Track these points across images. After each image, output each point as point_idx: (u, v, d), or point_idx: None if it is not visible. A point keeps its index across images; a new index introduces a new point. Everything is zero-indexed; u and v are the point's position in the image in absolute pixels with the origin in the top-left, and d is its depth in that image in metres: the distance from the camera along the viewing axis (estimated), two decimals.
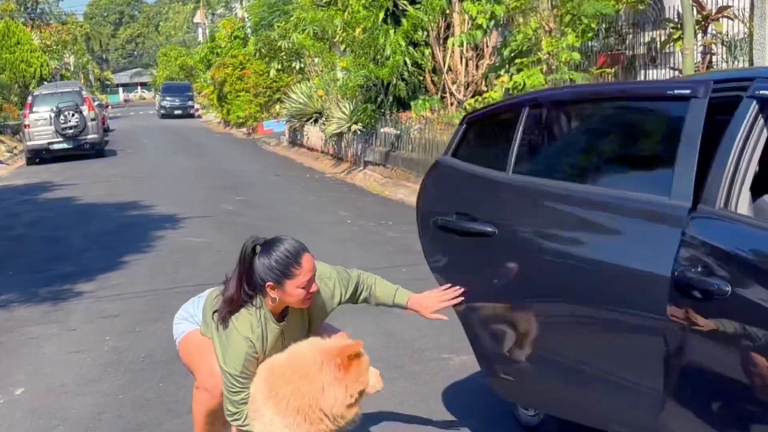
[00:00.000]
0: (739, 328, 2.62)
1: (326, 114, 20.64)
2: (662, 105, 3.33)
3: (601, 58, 13.01)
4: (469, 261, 4.04)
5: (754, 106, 2.86)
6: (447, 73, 15.47)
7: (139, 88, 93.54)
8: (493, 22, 13.09)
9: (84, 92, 26.13)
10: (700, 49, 11.21)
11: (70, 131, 23.81)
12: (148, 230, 11.37)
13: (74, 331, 6.96)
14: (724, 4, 11.03)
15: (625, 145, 3.75)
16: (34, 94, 25.83)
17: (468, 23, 14.49)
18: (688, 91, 3.06)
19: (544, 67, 11.51)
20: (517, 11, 12.33)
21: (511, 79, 11.92)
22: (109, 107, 55.20)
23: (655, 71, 12.42)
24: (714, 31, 11.17)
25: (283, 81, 28.23)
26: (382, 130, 17.09)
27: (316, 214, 12.44)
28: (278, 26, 24.12)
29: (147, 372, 5.79)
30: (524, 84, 11.31)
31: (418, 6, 15.53)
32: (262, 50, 26.72)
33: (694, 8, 10.71)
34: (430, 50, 16.04)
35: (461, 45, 14.47)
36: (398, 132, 16.15)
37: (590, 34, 12.10)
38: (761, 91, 2.84)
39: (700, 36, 11.16)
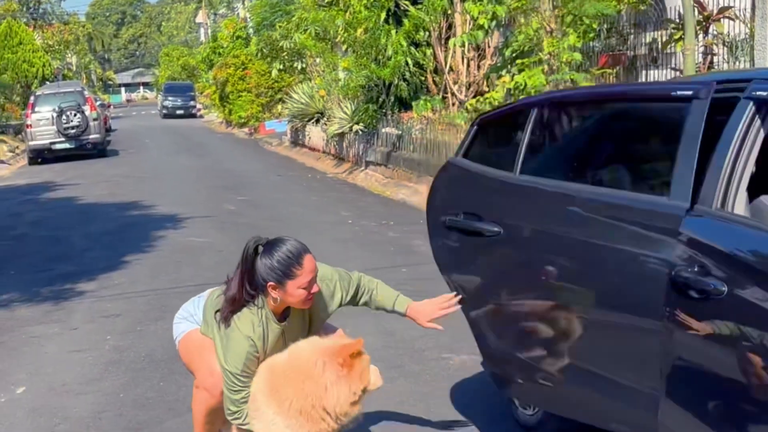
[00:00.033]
0: (736, 327, 2.64)
1: (328, 114, 20.66)
2: (666, 106, 3.36)
3: (603, 59, 13.01)
4: (476, 260, 4.10)
5: (750, 107, 2.87)
6: (448, 73, 15.48)
7: (141, 88, 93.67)
8: (494, 23, 13.09)
9: (86, 92, 26.14)
10: (701, 49, 11.21)
11: (72, 131, 23.82)
12: (150, 230, 11.38)
13: (76, 330, 6.98)
14: (725, 4, 11.04)
15: (628, 146, 3.80)
16: (37, 94, 25.85)
17: (469, 23, 14.49)
18: (690, 92, 3.08)
19: (546, 67, 11.51)
20: (519, 11, 12.33)
21: (512, 80, 11.91)
22: (112, 107, 55.29)
23: (656, 72, 12.42)
24: (715, 32, 11.17)
25: (284, 81, 28.27)
26: (383, 130, 17.10)
27: (317, 214, 12.46)
28: (280, 26, 24.12)
29: (148, 371, 5.81)
30: (525, 84, 11.31)
31: (419, 6, 15.54)
32: (264, 50, 26.72)
33: (696, 9, 10.72)
34: (431, 50, 16.04)
35: (463, 45, 14.48)
36: (400, 132, 16.16)
37: (592, 35, 12.09)
38: (758, 92, 2.86)
39: (701, 36, 11.16)
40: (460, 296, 3.98)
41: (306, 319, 3.81)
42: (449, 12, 15.37)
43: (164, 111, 49.17)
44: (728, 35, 11.02)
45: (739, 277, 2.64)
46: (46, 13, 55.53)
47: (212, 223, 11.91)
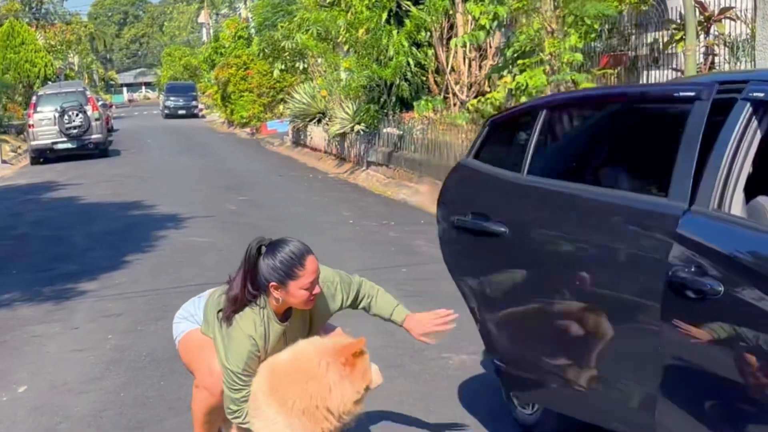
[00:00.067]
0: (732, 327, 2.65)
1: (329, 114, 20.68)
2: (670, 107, 3.38)
3: (604, 59, 13.01)
4: (482, 260, 4.16)
5: (747, 108, 2.89)
6: (450, 73, 15.49)
7: (143, 88, 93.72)
8: (496, 23, 13.09)
9: (88, 92, 26.17)
10: (703, 50, 11.22)
11: (74, 131, 23.85)
12: (152, 230, 11.40)
13: (77, 329, 7.00)
14: (727, 5, 11.04)
15: (630, 147, 3.84)
16: (39, 94, 25.90)
17: (471, 24, 14.50)
18: (692, 94, 3.10)
19: (547, 68, 11.52)
20: (520, 12, 12.33)
21: (513, 80, 11.92)
22: (113, 107, 55.34)
23: (657, 72, 12.42)
24: (716, 32, 11.17)
25: (286, 81, 28.29)
26: (384, 130, 17.11)
27: (318, 214, 12.47)
28: (282, 26, 24.14)
29: (148, 370, 5.83)
30: (527, 85, 11.31)
31: (421, 7, 15.56)
32: (266, 50, 26.74)
33: (697, 9, 10.72)
34: (433, 51, 16.06)
35: (464, 45, 14.48)
36: (401, 132, 16.17)
37: (593, 35, 12.10)
38: (755, 94, 2.87)
39: (702, 37, 11.17)
40: (456, 314, 3.98)
41: (306, 320, 3.83)
42: (451, 12, 15.39)
43: (166, 111, 49.20)
44: (729, 36, 11.02)
45: (736, 278, 2.65)
46: (48, 13, 55.63)
47: (213, 223, 11.93)
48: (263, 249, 3.61)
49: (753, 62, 10.15)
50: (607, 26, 13.01)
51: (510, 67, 12.58)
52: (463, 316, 6.20)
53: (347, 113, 18.92)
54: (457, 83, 15.46)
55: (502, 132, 4.53)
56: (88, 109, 24.21)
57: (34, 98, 25.49)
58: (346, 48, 19.05)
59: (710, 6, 11.19)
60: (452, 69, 15.51)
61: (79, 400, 5.36)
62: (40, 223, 12.84)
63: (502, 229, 3.87)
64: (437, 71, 16.24)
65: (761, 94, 2.85)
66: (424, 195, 13.64)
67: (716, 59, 11.17)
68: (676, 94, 3.28)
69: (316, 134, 22.23)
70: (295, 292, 3.56)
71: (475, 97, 14.41)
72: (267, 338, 3.65)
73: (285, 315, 3.73)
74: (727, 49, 11.00)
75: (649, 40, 12.68)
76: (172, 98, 49.76)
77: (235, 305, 3.64)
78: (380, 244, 9.99)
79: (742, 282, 2.62)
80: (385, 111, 17.41)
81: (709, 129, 2.98)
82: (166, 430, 4.82)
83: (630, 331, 3.16)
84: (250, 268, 3.60)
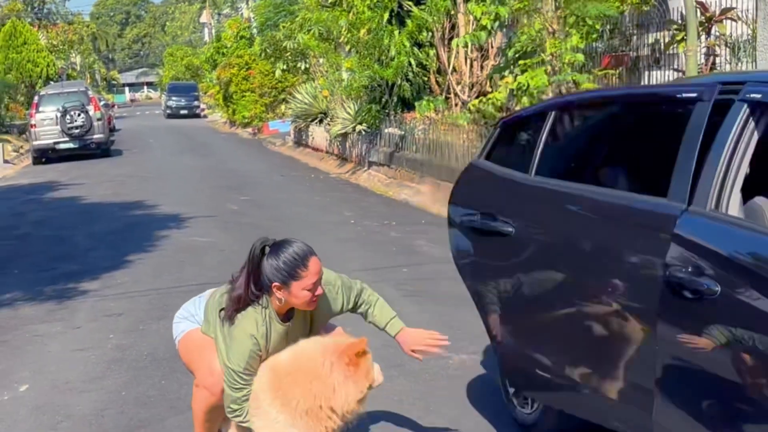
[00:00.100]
0: (728, 327, 2.67)
1: (331, 114, 20.69)
2: (674, 108, 3.40)
3: (605, 60, 13.02)
4: (489, 259, 4.24)
5: (744, 109, 2.91)
6: (451, 73, 15.51)
7: (145, 87, 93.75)
8: (497, 23, 13.13)
9: (90, 92, 26.20)
10: (704, 50, 11.22)
11: (76, 131, 23.86)
12: (153, 230, 11.42)
13: (79, 329, 7.01)
14: (728, 5, 11.05)
15: (636, 147, 3.86)
16: (41, 93, 25.92)
17: (473, 24, 14.52)
18: (694, 95, 3.12)
19: (548, 68, 11.54)
20: (521, 12, 12.34)
21: (515, 80, 11.94)
22: (116, 107, 55.37)
23: (658, 73, 12.43)
24: (717, 33, 11.17)
25: (288, 81, 28.32)
26: (386, 130, 17.13)
27: (320, 214, 12.49)
28: (284, 27, 24.16)
29: (150, 369, 5.85)
30: (528, 85, 11.33)
31: (422, 7, 15.58)
32: (268, 50, 26.78)
33: (698, 10, 10.73)
34: (434, 51, 16.07)
35: (466, 46, 14.50)
36: (402, 132, 16.18)
37: (594, 36, 12.12)
38: (752, 95, 2.89)
39: (703, 38, 11.18)
40: (447, 341, 4.01)
41: (307, 321, 3.85)
42: (452, 12, 15.40)
43: (168, 111, 49.20)
44: (730, 36, 11.03)
45: (732, 278, 2.67)
46: (50, 13, 55.63)
47: (215, 222, 11.95)
48: (267, 249, 3.63)
49: (754, 63, 10.16)
50: (608, 27, 13.01)
51: (511, 67, 12.61)
52: (464, 317, 6.26)
53: (349, 113, 18.94)
54: (458, 83, 15.47)
55: (512, 133, 4.59)
56: (90, 109, 24.22)
57: (36, 98, 25.51)
58: (347, 48, 19.07)
59: (711, 6, 11.19)
60: (454, 69, 15.52)
61: (81, 399, 5.38)
62: (42, 222, 12.86)
63: (509, 229, 3.94)
64: (439, 71, 16.25)
65: (758, 96, 2.86)
66: (425, 195, 13.67)
67: (717, 60, 11.17)
68: (678, 95, 3.30)
69: (318, 134, 22.25)
70: (297, 292, 3.58)
71: (477, 97, 14.44)
72: (268, 338, 3.67)
73: (287, 315, 3.75)
74: (728, 49, 11.00)
75: (650, 41, 12.68)
76: (174, 98, 49.76)
77: (238, 305, 3.66)
78: (381, 244, 10.01)
79: (738, 282, 2.64)
80: (387, 111, 17.42)
81: (710, 130, 3.00)
82: (166, 429, 4.84)
83: (628, 331, 3.18)
84: (253, 268, 3.62)
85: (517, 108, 12.79)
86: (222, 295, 3.80)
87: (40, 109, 24.20)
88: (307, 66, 24.79)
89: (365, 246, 9.95)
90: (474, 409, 4.87)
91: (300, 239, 3.69)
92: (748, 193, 3.03)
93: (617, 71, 12.67)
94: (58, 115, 23.72)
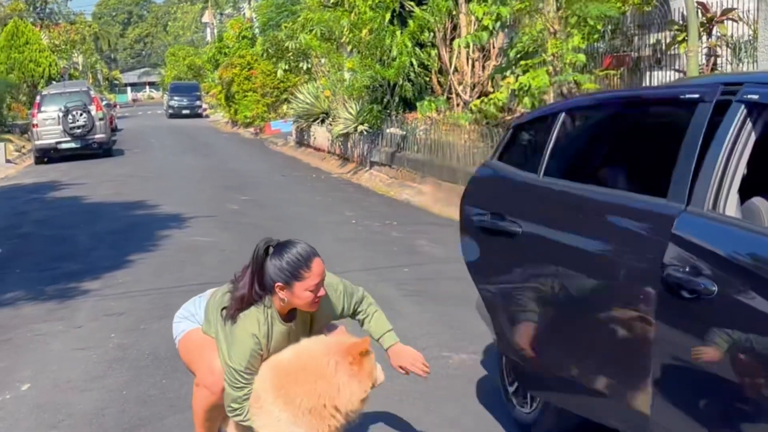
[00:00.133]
0: (726, 327, 2.68)
1: (333, 114, 20.71)
2: (678, 109, 3.42)
3: (607, 60, 13.03)
4: (497, 258, 4.30)
5: (742, 110, 2.92)
6: (453, 74, 15.52)
7: (147, 87, 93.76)
8: (498, 24, 13.12)
9: (92, 92, 26.23)
10: (705, 51, 11.24)
11: (78, 131, 23.89)
12: (155, 229, 11.44)
13: (80, 328, 7.03)
14: (729, 6, 11.06)
15: (639, 148, 3.89)
16: (43, 93, 25.94)
17: (474, 24, 14.54)
18: (697, 96, 3.14)
19: (550, 68, 11.55)
20: (523, 13, 12.36)
21: (516, 81, 11.95)
22: (118, 107, 55.41)
23: (660, 73, 12.44)
24: (719, 34, 11.19)
25: (290, 81, 28.34)
26: (388, 130, 17.14)
27: (321, 214, 12.50)
28: (286, 27, 24.19)
29: (151, 369, 5.87)
30: (530, 85, 11.35)
31: (424, 7, 15.59)
32: (270, 50, 26.81)
33: (699, 10, 10.74)
34: (436, 51, 16.09)
35: (467, 46, 14.51)
36: (404, 133, 16.20)
37: (596, 36, 12.13)
38: (749, 96, 2.91)
39: (704, 38, 11.19)
40: (428, 373, 4.03)
41: (307, 323, 3.86)
42: (454, 13, 15.42)
43: (170, 111, 49.23)
44: (731, 37, 11.04)
45: (729, 278, 2.68)
46: (52, 13, 55.65)
47: (216, 222, 11.97)
48: (271, 250, 3.66)
49: (755, 63, 10.17)
50: (610, 27, 13.03)
51: (513, 67, 12.62)
52: (464, 316, 6.28)
53: (350, 113, 18.96)
54: (460, 84, 15.49)
55: (524, 135, 4.65)
56: (92, 108, 24.26)
57: (38, 98, 25.54)
58: (349, 48, 19.10)
59: (712, 7, 11.21)
60: (455, 69, 15.54)
61: (82, 397, 5.40)
62: (43, 222, 12.88)
63: (517, 229, 3.99)
64: (440, 72, 16.27)
65: (755, 96, 2.88)
66: (426, 195, 13.68)
67: (718, 60, 11.18)
68: (681, 97, 3.32)
69: (320, 134, 22.27)
70: (300, 293, 3.59)
71: (479, 97, 14.46)
72: (270, 337, 3.69)
73: (289, 315, 3.76)
74: (729, 50, 11.02)
75: (651, 41, 12.71)
76: (176, 98, 49.79)
77: (241, 304, 3.68)
78: (382, 244, 10.02)
79: (735, 282, 2.66)
80: (389, 111, 17.44)
81: (710, 130, 3.02)
82: (167, 427, 4.86)
83: (627, 330, 3.21)
84: (257, 268, 3.64)
85: (519, 108, 12.83)
86: (223, 295, 3.81)
87: (42, 108, 24.23)
88: (309, 66, 24.81)
89: (366, 246, 9.96)
90: (474, 409, 4.89)
91: (303, 240, 3.71)
92: (745, 193, 3.04)
93: (619, 72, 12.70)
94: (60, 114, 23.76)
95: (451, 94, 15.70)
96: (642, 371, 3.04)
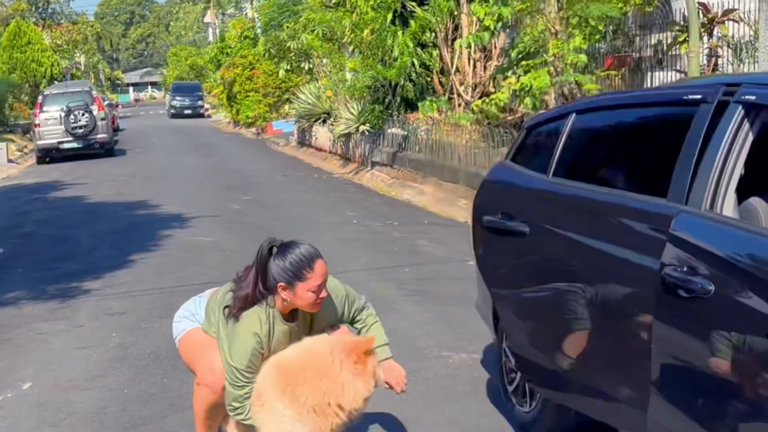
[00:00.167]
0: (722, 326, 2.69)
1: (334, 114, 20.72)
2: (679, 109, 3.43)
3: (608, 60, 13.05)
4: (505, 257, 4.38)
5: (739, 111, 2.94)
6: (455, 74, 15.53)
7: (149, 87, 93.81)
8: (500, 24, 13.12)
9: (94, 92, 26.26)
10: (706, 51, 11.24)
11: (80, 131, 23.93)
12: (156, 229, 11.45)
13: (81, 327, 7.05)
14: (730, 7, 11.07)
15: (641, 149, 3.94)
16: (45, 93, 25.97)
17: (476, 25, 14.54)
18: (699, 96, 3.16)
19: (551, 69, 11.56)
20: (524, 13, 12.37)
21: (518, 81, 11.96)
22: (120, 107, 55.37)
23: (661, 74, 12.45)
24: (720, 34, 11.20)
25: (292, 81, 28.36)
26: (389, 130, 17.15)
27: (323, 214, 12.52)
28: (288, 27, 24.20)
29: (152, 368, 5.88)
30: (531, 86, 11.36)
31: (426, 8, 15.60)
32: (272, 50, 26.81)
33: (700, 11, 10.75)
34: (437, 51, 16.10)
35: (469, 46, 14.51)
36: (405, 133, 16.21)
37: (597, 37, 12.14)
38: (746, 96, 2.92)
39: (705, 39, 11.20)
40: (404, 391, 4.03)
41: (307, 324, 3.88)
42: (455, 13, 15.42)
43: (172, 111, 49.27)
44: (733, 37, 11.05)
45: (726, 277, 2.70)
46: (54, 13, 55.75)
47: (218, 222, 11.98)
48: (274, 250, 3.68)
49: (756, 64, 10.18)
50: (611, 28, 13.04)
51: (514, 68, 12.63)
52: (464, 316, 6.29)
53: (352, 114, 18.96)
54: (461, 84, 15.50)
55: (536, 136, 4.69)
56: (94, 108, 24.29)
57: (40, 98, 25.56)
58: (351, 48, 19.12)
59: (713, 8, 11.21)
60: (457, 70, 15.55)
61: (83, 396, 5.41)
62: (45, 222, 12.90)
63: (524, 229, 4.05)
64: (442, 72, 16.28)
65: (753, 97, 2.89)
66: (427, 195, 13.69)
67: (719, 61, 11.19)
68: (684, 97, 3.34)
69: (321, 134, 22.28)
70: (302, 294, 3.61)
71: (480, 97, 14.46)
72: (271, 336, 3.70)
73: (291, 316, 3.78)
74: (730, 50, 11.03)
75: (653, 42, 12.71)
76: (178, 98, 49.82)
77: (244, 303, 3.70)
78: (383, 244, 10.03)
79: (732, 282, 2.67)
80: (390, 111, 17.45)
81: (708, 131, 3.04)
82: (168, 426, 4.87)
83: (626, 329, 3.23)
84: (261, 268, 3.66)
85: (520, 108, 12.85)
86: (225, 294, 3.83)
87: (44, 108, 24.26)
88: (311, 66, 24.82)
89: (367, 246, 9.97)
90: (474, 408, 4.90)
91: (307, 241, 3.73)
92: (743, 193, 3.05)
93: (620, 72, 12.71)
94: (62, 114, 23.79)
95: (452, 94, 15.71)
96: (640, 370, 3.05)
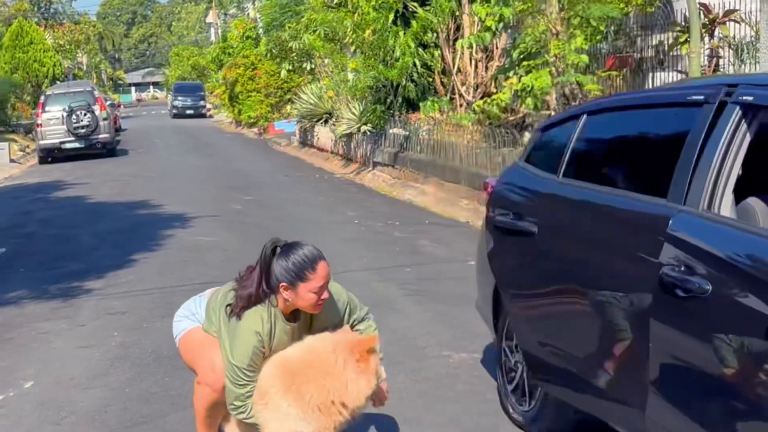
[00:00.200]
0: (719, 325, 2.71)
1: (336, 115, 20.74)
2: (681, 110, 3.45)
3: (610, 61, 13.05)
4: (514, 257, 4.44)
5: (737, 112, 2.95)
6: (456, 74, 15.53)
7: (151, 87, 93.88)
8: (501, 24, 13.13)
9: (96, 92, 26.25)
10: (707, 52, 11.25)
11: (82, 131, 23.94)
12: (158, 229, 11.46)
13: (83, 326, 7.06)
14: (731, 7, 11.08)
15: (648, 149, 3.95)
16: (47, 93, 25.99)
17: (477, 25, 14.54)
18: (701, 97, 3.18)
19: (553, 69, 11.56)
20: (526, 13, 12.38)
21: (519, 81, 11.96)
22: (122, 107, 55.47)
23: (663, 74, 12.46)
24: (721, 35, 11.21)
25: (293, 81, 28.36)
26: (391, 131, 17.16)
27: (324, 214, 12.53)
28: (289, 27, 24.20)
29: (153, 367, 5.90)
30: (532, 86, 11.36)
31: (427, 8, 15.61)
32: (274, 51, 26.81)
33: (701, 12, 10.76)
34: (439, 52, 16.10)
35: (470, 47, 14.51)
36: (407, 133, 16.22)
37: (599, 37, 12.14)
38: (744, 97, 2.93)
39: (707, 39, 11.21)
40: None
41: (308, 325, 3.89)
42: (457, 13, 15.43)
43: (174, 111, 49.30)
44: (734, 38, 11.06)
45: (723, 277, 2.71)
46: (57, 13, 55.84)
47: (219, 222, 11.99)
48: (278, 250, 3.70)
49: (757, 64, 10.19)
50: (612, 28, 13.05)
51: (516, 68, 12.62)
52: (465, 316, 6.31)
53: (354, 114, 18.98)
54: (463, 84, 15.50)
55: (548, 137, 4.72)
56: (96, 108, 24.30)
57: (42, 98, 25.59)
58: (353, 49, 19.11)
59: (715, 8, 11.22)
60: (458, 70, 15.55)
61: (85, 395, 5.43)
62: (47, 221, 12.91)
63: (532, 229, 4.09)
64: (443, 72, 16.29)
65: (750, 98, 2.91)
66: (429, 195, 13.70)
67: (721, 61, 11.20)
68: (686, 98, 3.35)
69: (323, 134, 22.29)
70: (304, 294, 3.63)
71: (482, 98, 14.46)
72: (273, 336, 3.72)
73: (293, 316, 3.79)
74: (731, 51, 11.03)
75: (654, 42, 12.72)
76: (180, 98, 49.84)
77: (248, 302, 3.72)
78: (385, 244, 10.04)
79: (729, 281, 2.69)
80: (392, 112, 17.46)
81: (711, 131, 3.05)
82: (169, 425, 4.89)
83: (626, 329, 3.24)
84: (265, 267, 3.68)
85: (522, 109, 12.85)
86: (227, 293, 3.85)
87: (47, 108, 24.27)
88: (313, 66, 24.83)
89: (369, 246, 9.99)
90: (474, 408, 4.90)
91: (310, 242, 3.75)
92: (740, 194, 3.07)
93: (621, 72, 12.71)
94: (64, 114, 23.79)
95: (454, 94, 15.71)
96: (639, 368, 3.07)
